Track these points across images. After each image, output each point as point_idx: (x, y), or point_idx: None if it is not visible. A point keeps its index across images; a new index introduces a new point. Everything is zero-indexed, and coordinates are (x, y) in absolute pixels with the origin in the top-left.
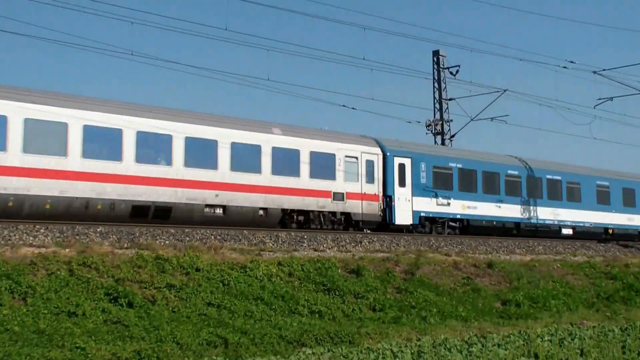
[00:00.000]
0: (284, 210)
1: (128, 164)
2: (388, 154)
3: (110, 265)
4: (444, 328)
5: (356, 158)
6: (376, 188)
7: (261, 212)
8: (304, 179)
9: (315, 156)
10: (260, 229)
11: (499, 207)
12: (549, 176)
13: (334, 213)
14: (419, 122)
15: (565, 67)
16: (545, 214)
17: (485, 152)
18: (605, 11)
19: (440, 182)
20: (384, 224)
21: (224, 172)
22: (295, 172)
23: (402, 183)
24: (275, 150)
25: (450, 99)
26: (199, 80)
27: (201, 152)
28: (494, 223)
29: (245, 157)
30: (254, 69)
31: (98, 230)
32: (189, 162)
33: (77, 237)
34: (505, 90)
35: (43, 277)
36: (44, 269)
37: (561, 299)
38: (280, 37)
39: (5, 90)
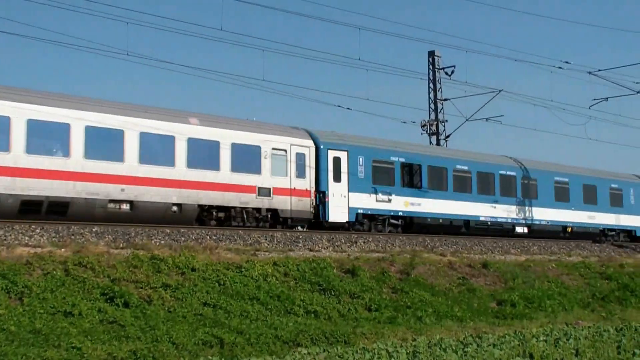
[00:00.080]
0: (201, 207)
1: (17, 155)
2: (322, 146)
3: (106, 265)
4: (440, 328)
5: (285, 151)
6: (308, 183)
7: (175, 208)
8: (224, 173)
9: (237, 148)
10: (257, 229)
11: (447, 204)
12: (502, 172)
13: (258, 209)
14: (414, 122)
15: (560, 68)
16: (498, 211)
17: (433, 146)
18: (600, 11)
19: (381, 177)
20: (317, 221)
21: (131, 164)
22: (214, 165)
23: (337, 178)
24: (192, 142)
25: (445, 99)
26: (194, 80)
27: (105, 143)
28: (441, 221)
29: (157, 149)
30: (249, 69)
31: (94, 230)
32: (91, 153)
33: (73, 237)
34: (500, 91)
35: (39, 277)
36: (39, 269)
37: (556, 299)
38: (275, 38)
39: None
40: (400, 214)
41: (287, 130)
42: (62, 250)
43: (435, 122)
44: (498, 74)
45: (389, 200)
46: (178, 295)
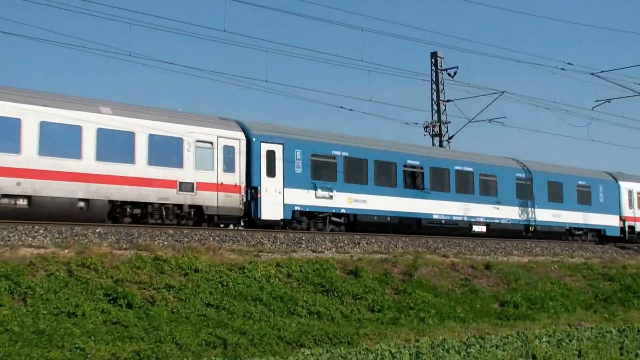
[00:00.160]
0: (113, 202)
1: None
2: (254, 139)
3: (109, 266)
4: (442, 329)
5: (211, 143)
6: (237, 178)
7: (81, 204)
8: (140, 166)
9: (156, 140)
10: (258, 230)
11: (396, 200)
12: (458, 167)
13: (180, 206)
14: (416, 123)
15: (563, 69)
16: (453, 209)
17: (380, 140)
18: (603, 13)
19: (321, 172)
20: (248, 219)
21: (29, 156)
22: (128, 158)
23: (271, 173)
24: (102, 132)
25: (448, 101)
26: (196, 81)
27: None
28: (389, 219)
29: (60, 140)
30: (251, 70)
31: (97, 231)
32: None
33: (76, 237)
34: (503, 92)
35: (42, 277)
36: (43, 270)
37: (559, 301)
38: (278, 39)
39: None
40: (343, 211)
41: (214, 121)
42: (66, 251)
43: (438, 124)
44: (501, 75)
45: (330, 197)
46: (181, 296)
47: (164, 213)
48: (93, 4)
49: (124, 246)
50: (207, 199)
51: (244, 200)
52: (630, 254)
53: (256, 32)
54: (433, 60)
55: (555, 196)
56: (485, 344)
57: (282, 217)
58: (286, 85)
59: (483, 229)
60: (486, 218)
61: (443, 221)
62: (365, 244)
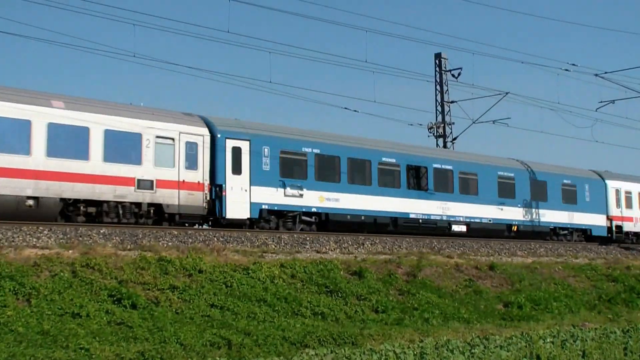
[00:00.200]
0: (65, 200)
1: None
2: (219, 135)
3: (113, 266)
4: (447, 330)
5: (172, 139)
6: (200, 175)
7: (30, 202)
8: (95, 163)
9: (112, 135)
10: (262, 231)
11: (370, 199)
12: (436, 165)
13: (138, 204)
14: (420, 124)
15: (567, 70)
16: (432, 208)
17: (354, 137)
18: (607, 14)
19: (291, 170)
20: (213, 218)
21: None
22: (82, 154)
23: (237, 170)
24: (53, 127)
25: (452, 102)
26: (201, 82)
27: None
28: (363, 218)
29: (7, 135)
30: (256, 71)
31: (101, 231)
32: None
33: (80, 238)
34: (507, 93)
35: (47, 278)
36: (47, 271)
37: (563, 301)
38: (282, 40)
39: None
40: (314, 210)
41: (176, 117)
42: (70, 251)
43: (442, 125)
44: (505, 76)
45: (301, 195)
46: (185, 297)
47: (120, 212)
48: (97, 5)
49: (128, 247)
50: (168, 197)
51: (208, 198)
52: (635, 254)
53: (260, 33)
54: (437, 61)
55: (539, 195)
56: (489, 345)
57: (248, 217)
58: (290, 86)
59: (463, 228)
60: (466, 217)
61: (421, 220)
62: (369, 245)
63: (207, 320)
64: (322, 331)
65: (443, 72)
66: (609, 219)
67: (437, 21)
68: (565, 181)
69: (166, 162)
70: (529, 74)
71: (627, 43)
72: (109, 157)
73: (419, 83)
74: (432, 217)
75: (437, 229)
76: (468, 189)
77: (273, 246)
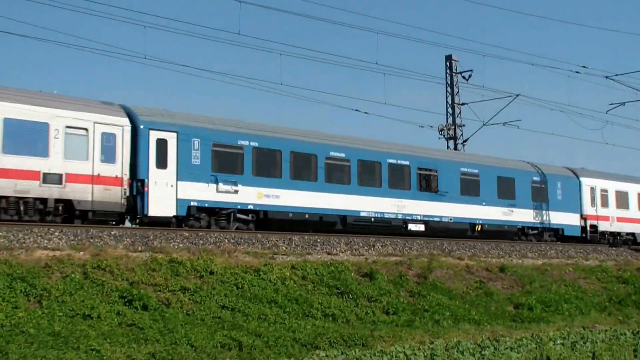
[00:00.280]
0: None
1: None
2: (141, 126)
3: (124, 268)
4: (457, 331)
5: (86, 130)
6: (119, 169)
7: None
8: None
9: (13, 125)
10: (273, 233)
11: (316, 196)
12: (391, 160)
13: (44, 200)
14: (431, 126)
15: (577, 72)
16: (385, 205)
17: (298, 129)
18: (617, 16)
19: (224, 164)
20: (134, 215)
21: None
22: None
23: (162, 164)
24: None
25: (462, 104)
26: (211, 84)
27: None
28: (307, 216)
29: None
30: (267, 73)
31: (112, 233)
32: None
33: (92, 240)
34: (517, 95)
35: (58, 279)
36: (58, 272)
37: (573, 303)
38: (293, 42)
39: None
40: (251, 207)
41: (91, 105)
42: (81, 253)
43: (453, 127)
44: (515, 78)
45: (235, 192)
46: (196, 299)
47: (22, 208)
48: (108, 7)
49: (139, 248)
50: (79, 192)
51: (127, 194)
52: None
53: (271, 35)
54: (448, 63)
55: (506, 193)
56: (499, 346)
57: (174, 214)
58: (301, 88)
59: (421, 227)
60: (424, 216)
61: (373, 219)
62: (380, 247)
63: (218, 322)
64: (332, 333)
65: (454, 74)
66: (583, 218)
67: (447, 23)
68: (535, 178)
69: (78, 154)
70: (540, 76)
71: (638, 45)
72: (8, 148)
73: (430, 85)
74: (386, 216)
75: (392, 228)
76: (427, 186)
77: (284, 248)
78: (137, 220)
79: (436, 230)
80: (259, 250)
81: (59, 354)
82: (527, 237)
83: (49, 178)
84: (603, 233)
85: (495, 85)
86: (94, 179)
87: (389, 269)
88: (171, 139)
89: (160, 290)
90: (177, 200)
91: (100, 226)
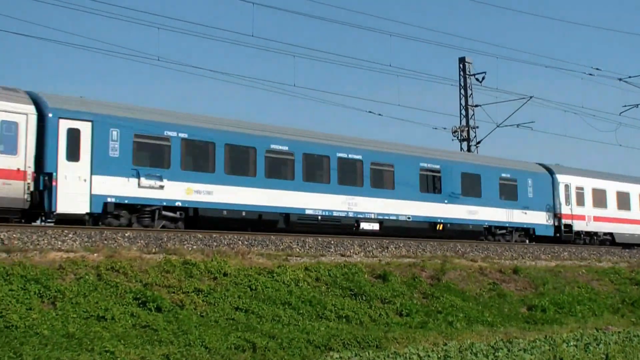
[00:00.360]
0: None
1: None
2: (50, 114)
3: (138, 270)
4: (470, 333)
5: None
6: (21, 162)
7: None
8: None
9: None
10: (286, 235)
11: (254, 193)
12: (341, 154)
13: None
14: (445, 128)
15: (591, 74)
16: (335, 203)
17: (236, 120)
18: (630, 18)
19: (148, 157)
20: (40, 212)
21: None
22: None
23: (73, 156)
24: None
25: (476, 106)
26: (224, 86)
27: None
28: (244, 214)
29: None
30: (280, 75)
31: (126, 235)
32: None
33: (105, 241)
34: (531, 97)
35: (72, 281)
36: (72, 274)
37: (586, 305)
38: (306, 44)
39: None
40: (179, 204)
41: None
42: (95, 255)
43: (466, 128)
44: (529, 80)
45: (161, 187)
46: (210, 300)
47: None
48: (122, 9)
49: (153, 250)
50: None
51: (32, 189)
52: None
53: (284, 37)
54: (461, 65)
55: (471, 190)
56: (512, 348)
57: (88, 211)
58: (314, 90)
59: (375, 226)
60: (379, 214)
61: (320, 217)
62: (393, 249)
63: (231, 324)
64: (346, 334)
65: (467, 76)
66: (557, 217)
67: (461, 25)
68: (503, 175)
69: None
70: (553, 78)
71: None
72: None
73: (443, 87)
74: (335, 214)
75: (341, 227)
76: (382, 182)
77: (297, 249)
78: (43, 217)
79: (392, 229)
80: (273, 252)
81: (73, 355)
82: (494, 237)
83: None
84: (579, 233)
85: (508, 87)
86: None
87: (402, 271)
88: (85, 128)
89: (174, 292)
90: (91, 196)
91: (114, 228)
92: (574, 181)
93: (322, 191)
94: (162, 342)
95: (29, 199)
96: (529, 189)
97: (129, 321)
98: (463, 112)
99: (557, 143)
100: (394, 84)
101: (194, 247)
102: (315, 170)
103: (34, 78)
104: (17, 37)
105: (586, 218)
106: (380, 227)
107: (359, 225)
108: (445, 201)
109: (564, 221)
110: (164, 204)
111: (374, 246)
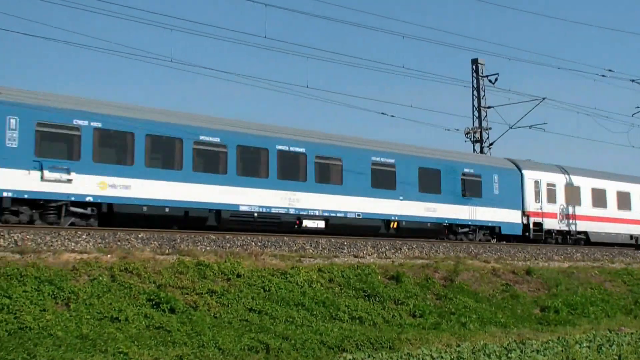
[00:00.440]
0: None
1: None
2: None
3: (151, 271)
4: (483, 334)
5: None
6: None
7: None
8: None
9: None
10: (299, 236)
11: (180, 187)
12: (282, 147)
13: None
14: (457, 130)
15: (603, 76)
16: (273, 199)
17: (159, 109)
18: None
19: (54, 148)
20: None
21: None
22: None
23: None
24: None
25: (489, 107)
26: (238, 87)
27: None
28: (167, 210)
29: None
30: (292, 77)
31: (139, 236)
32: None
33: (119, 243)
34: (543, 99)
35: (85, 282)
36: (86, 275)
37: (599, 306)
38: (319, 45)
39: None
40: (90, 199)
41: None
42: (108, 256)
43: (479, 130)
44: (542, 81)
45: (68, 181)
46: (224, 301)
47: None
48: (135, 10)
49: (167, 251)
50: None
51: None
52: None
53: (297, 39)
54: (474, 66)
55: (430, 186)
56: (525, 349)
57: None
58: (327, 91)
59: (320, 224)
60: (325, 211)
61: (256, 214)
62: (406, 250)
63: (245, 325)
64: (359, 335)
65: (480, 77)
66: (526, 214)
67: (474, 27)
68: (466, 170)
69: None
70: (566, 79)
71: None
72: None
73: (456, 88)
74: (274, 210)
75: (281, 224)
76: (328, 177)
77: (311, 251)
78: None
79: (339, 227)
80: (286, 253)
81: (86, 356)
82: (456, 235)
83: None
84: (549, 231)
85: (521, 89)
86: None
87: (415, 272)
88: None
89: (187, 293)
90: None
91: (128, 229)
92: (545, 177)
93: (259, 186)
94: (175, 343)
95: None
96: (494, 185)
97: (143, 322)
98: (476, 113)
99: (570, 144)
100: (406, 85)
101: (207, 248)
102: (252, 163)
103: (37, 77)
104: (18, 37)
105: (558, 216)
106: (326, 225)
107: (301, 223)
108: (401, 197)
109: (532, 219)
110: (72, 199)
111: (387, 247)
